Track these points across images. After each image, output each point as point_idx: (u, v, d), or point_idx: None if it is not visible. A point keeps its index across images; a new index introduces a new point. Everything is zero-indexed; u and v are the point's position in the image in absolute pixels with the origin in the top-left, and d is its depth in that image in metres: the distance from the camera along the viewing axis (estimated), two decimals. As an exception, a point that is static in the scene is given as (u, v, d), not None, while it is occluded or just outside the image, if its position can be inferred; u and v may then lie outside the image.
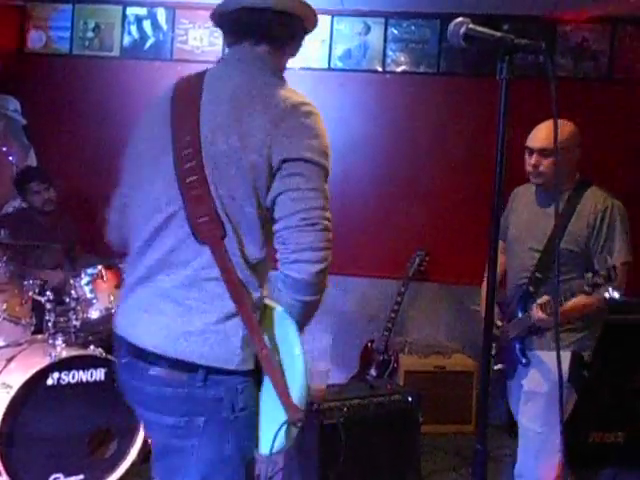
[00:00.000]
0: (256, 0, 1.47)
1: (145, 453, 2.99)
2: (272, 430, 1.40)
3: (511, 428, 3.95)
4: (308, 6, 1.55)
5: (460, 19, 1.25)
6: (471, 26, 1.23)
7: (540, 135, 2.32)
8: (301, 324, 1.50)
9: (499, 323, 2.54)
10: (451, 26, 1.25)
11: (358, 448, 2.80)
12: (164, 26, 4.41)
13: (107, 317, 3.05)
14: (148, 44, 4.43)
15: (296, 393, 1.40)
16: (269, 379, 1.40)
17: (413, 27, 4.21)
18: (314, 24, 1.61)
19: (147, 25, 4.42)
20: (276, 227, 1.42)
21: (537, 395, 2.37)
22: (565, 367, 2.28)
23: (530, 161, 2.34)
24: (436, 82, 4.22)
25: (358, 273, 4.30)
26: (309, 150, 1.41)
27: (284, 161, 1.38)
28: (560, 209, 2.30)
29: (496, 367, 2.55)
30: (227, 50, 1.58)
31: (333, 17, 4.27)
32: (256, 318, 1.42)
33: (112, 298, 3.09)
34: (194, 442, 1.42)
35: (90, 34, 4.44)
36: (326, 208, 1.41)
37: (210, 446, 1.42)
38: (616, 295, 2.12)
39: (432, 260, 4.11)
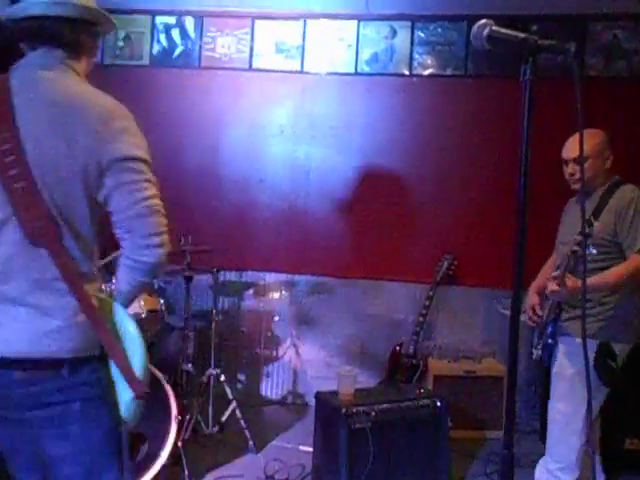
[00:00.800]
0: (45, 8, 1.49)
1: (175, 456, 3.03)
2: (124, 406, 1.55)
3: (543, 434, 3.90)
4: (98, 10, 1.60)
5: (483, 21, 1.24)
6: (494, 28, 1.23)
7: (573, 146, 2.57)
8: (128, 304, 1.65)
9: (540, 312, 2.68)
10: (474, 28, 1.25)
11: (386, 453, 2.80)
12: (192, 34, 4.47)
13: (137, 322, 3.08)
14: (177, 52, 4.50)
15: (138, 366, 1.52)
16: (114, 362, 1.52)
17: (440, 29, 4.19)
18: (111, 26, 1.68)
19: (176, 34, 4.49)
20: (118, 217, 1.53)
21: (563, 376, 2.55)
22: (591, 355, 2.40)
23: (567, 170, 2.60)
24: (464, 85, 4.19)
25: (386, 277, 4.29)
26: (136, 148, 1.54)
27: (115, 160, 1.49)
28: (594, 206, 2.51)
29: (534, 356, 2.68)
30: (25, 57, 1.58)
31: (359, 22, 4.28)
32: (96, 306, 1.51)
33: (142, 303, 3.13)
34: (75, 427, 1.52)
35: (120, 44, 4.52)
36: (159, 196, 1.57)
37: (92, 425, 1.54)
38: None
39: (460, 264, 4.08)
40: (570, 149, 2.58)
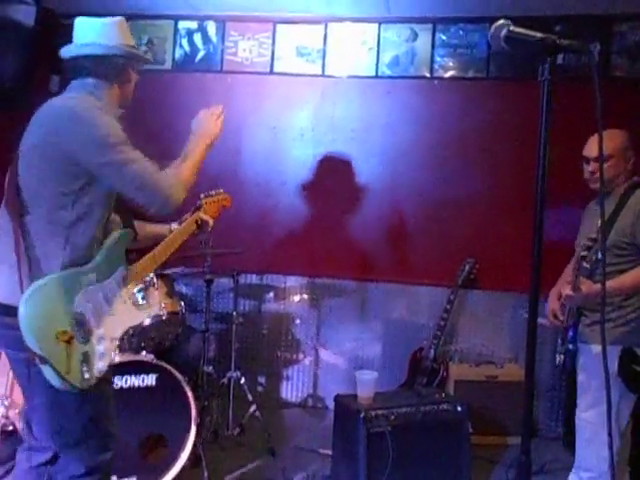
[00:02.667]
0: (77, 50, 1.99)
1: (195, 458, 3.05)
2: None
3: (566, 440, 3.83)
4: (125, 47, 2.03)
5: (501, 21, 1.23)
6: (512, 28, 1.21)
7: (595, 145, 2.54)
8: None
9: (561, 317, 2.64)
10: (492, 29, 1.24)
11: (406, 457, 2.78)
12: (214, 39, 4.51)
13: (158, 324, 3.12)
14: (199, 57, 4.53)
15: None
16: None
17: (461, 32, 4.16)
18: (141, 59, 2.17)
19: (198, 38, 4.53)
20: None
21: (587, 386, 2.51)
22: (614, 362, 2.39)
23: (588, 169, 2.59)
24: (485, 87, 4.16)
25: (407, 281, 4.27)
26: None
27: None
28: (612, 208, 2.50)
29: (557, 361, 2.65)
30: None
31: (380, 25, 4.27)
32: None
33: (163, 305, 3.16)
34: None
35: (143, 48, 4.58)
36: None
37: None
38: None
39: (482, 268, 4.04)
40: (592, 148, 2.57)
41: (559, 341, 2.67)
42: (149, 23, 4.56)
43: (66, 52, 2.01)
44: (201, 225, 2.39)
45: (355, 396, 2.92)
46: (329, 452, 3.15)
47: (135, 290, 3.07)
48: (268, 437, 3.53)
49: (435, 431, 2.88)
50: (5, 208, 1.91)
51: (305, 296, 4.42)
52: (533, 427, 3.98)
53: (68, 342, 1.78)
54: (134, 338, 3.03)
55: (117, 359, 2.76)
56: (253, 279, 4.46)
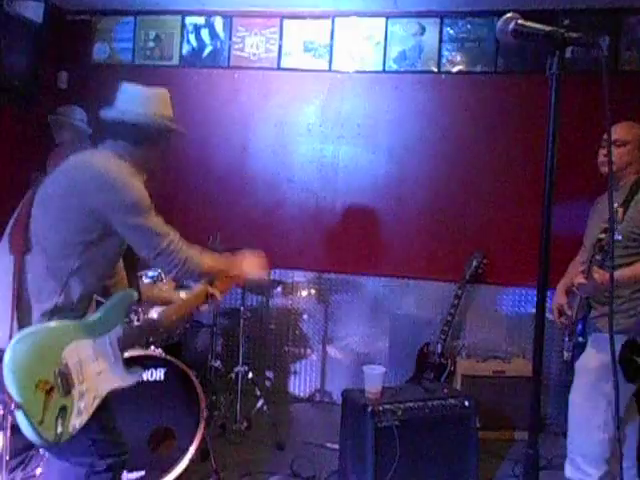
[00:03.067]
0: (115, 115, 2.07)
1: (203, 452, 3.06)
2: None
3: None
4: (165, 117, 2.12)
5: (509, 15, 1.23)
6: (520, 21, 1.21)
7: (616, 129, 2.60)
8: None
9: (569, 313, 2.68)
10: (500, 23, 1.23)
11: (413, 451, 2.78)
12: (221, 34, 4.51)
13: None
14: (206, 52, 4.54)
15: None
16: None
17: (469, 26, 4.14)
18: (174, 130, 2.16)
19: (205, 34, 4.53)
20: None
21: (585, 370, 2.56)
22: (617, 348, 2.37)
23: (603, 152, 2.62)
24: (493, 81, 4.14)
25: (415, 275, 4.26)
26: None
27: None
28: (622, 199, 2.53)
29: (565, 357, 2.69)
30: None
31: (387, 19, 4.26)
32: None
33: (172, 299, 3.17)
34: None
35: (151, 44, 4.59)
36: None
37: None
38: None
39: (490, 262, 4.03)
40: (614, 131, 2.60)
41: (565, 338, 2.69)
42: (156, 19, 4.57)
43: (106, 113, 2.09)
44: (210, 298, 2.33)
45: (363, 391, 2.92)
46: (336, 446, 3.16)
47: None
48: (276, 431, 3.55)
49: (443, 426, 2.87)
50: (7, 243, 1.94)
51: (312, 291, 4.43)
52: (541, 422, 3.98)
53: (48, 393, 1.75)
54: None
55: (126, 353, 2.78)
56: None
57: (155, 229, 1.99)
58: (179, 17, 4.56)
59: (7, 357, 1.72)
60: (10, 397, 1.70)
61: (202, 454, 3.06)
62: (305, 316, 4.46)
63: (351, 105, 4.36)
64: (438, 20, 4.19)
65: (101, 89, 4.63)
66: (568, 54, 1.21)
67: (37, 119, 4.29)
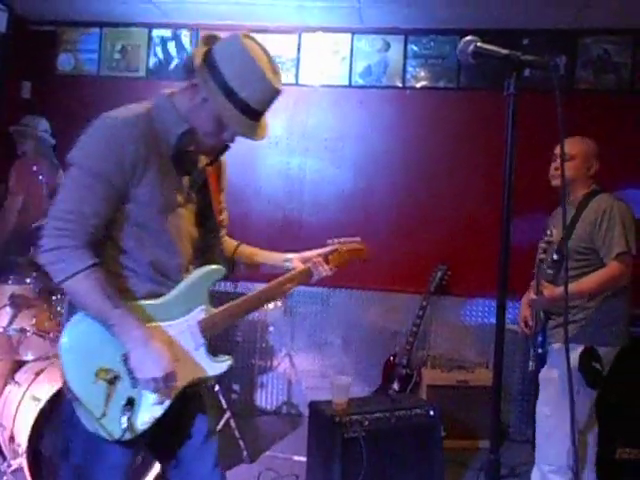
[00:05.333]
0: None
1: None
2: None
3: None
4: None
5: (469, 37, 1.28)
6: (479, 44, 1.26)
7: (564, 144, 2.61)
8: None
9: (530, 323, 2.75)
10: (461, 44, 1.29)
11: (380, 461, 2.81)
12: (188, 47, 4.52)
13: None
14: (173, 65, 4.54)
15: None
16: None
17: (432, 43, 4.25)
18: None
19: (172, 46, 4.54)
20: None
21: (549, 381, 2.61)
22: (575, 357, 2.49)
23: (553, 165, 2.72)
24: (456, 97, 4.25)
25: (380, 288, 4.31)
26: (75, 151, 1.58)
27: None
28: (571, 214, 2.63)
29: (529, 367, 2.72)
30: None
31: (353, 34, 4.34)
32: None
33: (137, 313, 3.15)
34: None
35: (117, 56, 4.58)
36: (69, 201, 1.53)
37: None
38: None
39: (453, 274, 4.11)
40: (559, 147, 2.67)
41: (531, 349, 2.75)
42: (123, 30, 4.56)
43: None
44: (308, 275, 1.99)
45: (330, 402, 2.94)
46: (304, 459, 3.16)
47: None
48: (243, 445, 3.54)
49: (408, 435, 2.90)
50: None
51: (279, 303, 4.44)
52: (504, 431, 4.05)
53: (111, 382, 1.56)
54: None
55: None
56: (227, 287, 4.46)
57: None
58: (146, 29, 4.56)
59: (62, 342, 1.57)
60: (67, 387, 1.56)
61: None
62: (271, 328, 4.46)
63: (317, 119, 4.41)
64: (402, 37, 4.29)
65: (65, 100, 4.64)
66: (527, 73, 1.27)
67: (-1, 130, 4.23)
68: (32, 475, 2.58)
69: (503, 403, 4.01)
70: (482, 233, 4.12)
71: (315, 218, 4.39)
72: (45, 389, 2.68)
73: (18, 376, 2.94)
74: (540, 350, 2.67)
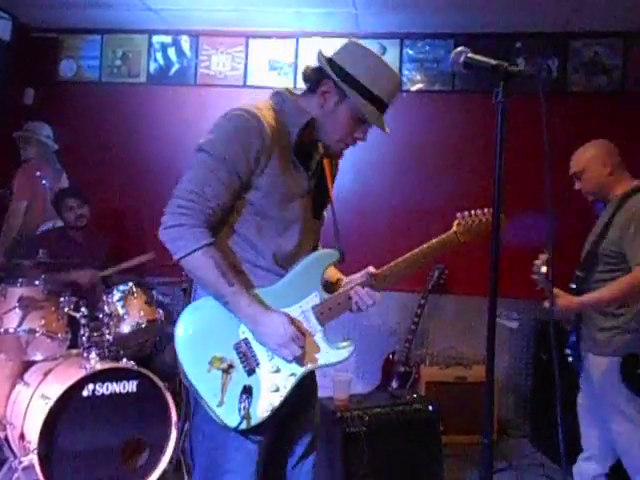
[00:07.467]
0: None
1: (176, 462, 3.11)
2: None
3: (534, 439, 3.99)
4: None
5: (460, 48, 1.37)
6: (470, 55, 1.35)
7: (571, 163, 2.61)
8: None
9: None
10: (452, 55, 1.37)
11: (380, 456, 2.87)
12: (188, 53, 4.60)
13: (138, 331, 3.19)
14: (173, 70, 4.62)
15: None
16: None
17: (428, 47, 4.34)
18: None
19: (172, 52, 4.62)
20: None
21: (596, 399, 2.50)
22: (616, 373, 2.36)
23: (576, 185, 2.62)
24: (451, 100, 4.33)
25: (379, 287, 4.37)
26: (204, 139, 1.66)
27: None
28: (608, 216, 2.50)
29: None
30: None
31: (350, 39, 4.41)
32: None
33: (142, 313, 3.22)
34: None
35: (118, 62, 4.65)
36: (193, 181, 1.60)
37: None
38: None
39: (451, 273, 4.19)
40: (570, 165, 2.61)
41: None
42: (123, 37, 4.64)
43: None
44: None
45: (331, 398, 3.01)
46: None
47: (115, 299, 3.14)
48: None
49: (408, 430, 2.97)
50: None
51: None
52: (502, 426, 4.13)
53: (226, 371, 1.58)
54: (114, 346, 3.09)
55: (98, 367, 2.84)
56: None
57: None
58: (146, 36, 4.64)
59: (177, 331, 1.60)
60: (185, 377, 1.59)
61: (174, 465, 3.10)
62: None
63: (316, 122, 4.47)
64: (398, 41, 4.37)
65: (67, 106, 4.71)
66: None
67: (2, 136, 4.29)
68: (43, 472, 2.65)
69: (500, 398, 4.09)
70: (478, 233, 4.19)
71: (314, 219, 4.45)
72: (54, 388, 2.75)
73: (27, 376, 3.01)
74: (568, 351, 2.55)
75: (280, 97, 1.77)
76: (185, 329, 1.61)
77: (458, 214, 2.10)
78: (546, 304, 2.34)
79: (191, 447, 1.71)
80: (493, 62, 1.32)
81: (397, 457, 2.94)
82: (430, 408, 3.04)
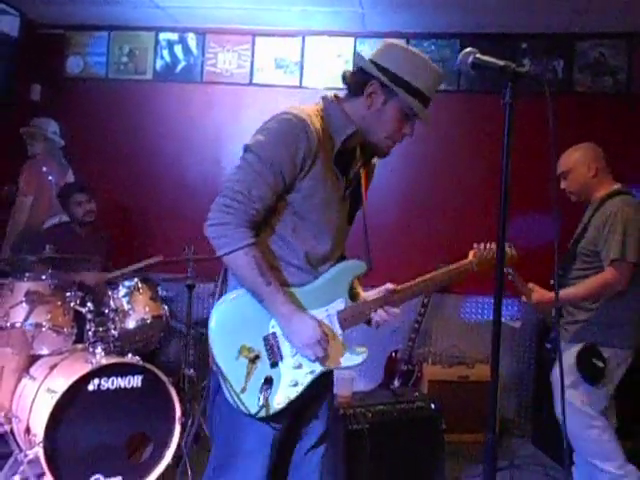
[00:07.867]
0: None
1: (179, 457, 3.13)
2: None
3: (535, 438, 4.01)
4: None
5: (468, 49, 1.38)
6: (478, 56, 1.36)
7: (558, 163, 2.72)
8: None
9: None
10: (461, 56, 1.39)
11: (383, 453, 2.89)
12: (194, 50, 4.62)
13: (143, 327, 3.21)
14: (179, 67, 4.64)
15: None
16: None
17: (433, 47, 4.35)
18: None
19: (178, 49, 4.64)
20: None
21: (555, 381, 2.70)
22: (572, 358, 2.55)
23: (562, 184, 2.75)
24: (456, 99, 4.34)
25: (381, 286, 4.39)
26: (252, 140, 1.73)
27: None
28: (588, 216, 2.69)
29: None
30: None
31: (356, 38, 4.43)
32: None
33: (147, 309, 3.25)
34: None
35: (125, 59, 4.67)
36: (240, 182, 1.68)
37: None
38: None
39: (454, 272, 4.20)
40: (558, 164, 2.72)
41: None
42: (130, 34, 4.66)
43: None
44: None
45: (334, 395, 3.02)
46: (309, 450, 3.25)
47: (121, 295, 3.16)
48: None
49: (410, 428, 2.98)
50: None
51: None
52: (504, 425, 4.14)
53: (252, 361, 1.68)
54: (119, 341, 3.12)
55: (104, 361, 2.86)
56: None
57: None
58: (152, 33, 4.66)
59: (211, 319, 1.70)
60: (214, 360, 1.68)
61: (178, 460, 3.12)
62: (276, 325, 4.53)
63: (321, 121, 4.49)
64: (404, 41, 4.37)
65: (74, 102, 4.73)
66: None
67: (9, 132, 4.32)
68: (48, 465, 2.67)
69: (502, 398, 4.11)
70: (481, 232, 4.19)
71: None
72: (60, 382, 2.76)
73: (33, 370, 3.03)
74: (549, 345, 2.74)
75: (327, 103, 1.86)
76: (219, 317, 1.71)
77: (475, 245, 2.24)
78: (523, 299, 2.58)
79: (210, 425, 1.85)
80: (501, 63, 1.33)
81: (399, 455, 2.95)
82: (432, 406, 3.06)
